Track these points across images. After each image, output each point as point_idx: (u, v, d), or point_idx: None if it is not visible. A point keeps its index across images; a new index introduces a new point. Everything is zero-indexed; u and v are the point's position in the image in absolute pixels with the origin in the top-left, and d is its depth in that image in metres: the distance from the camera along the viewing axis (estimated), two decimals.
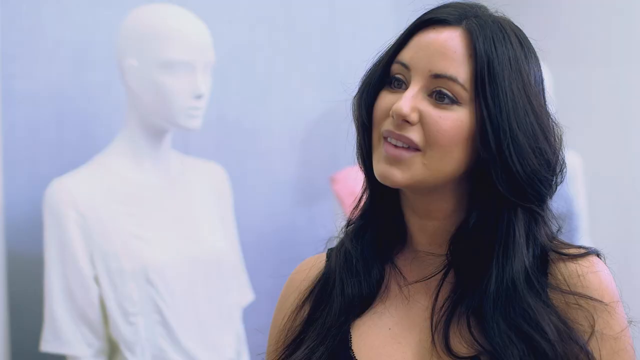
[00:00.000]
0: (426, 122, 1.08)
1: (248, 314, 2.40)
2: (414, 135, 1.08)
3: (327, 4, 3.08)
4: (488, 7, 1.16)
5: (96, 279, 2.08)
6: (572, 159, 2.74)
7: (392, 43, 1.15)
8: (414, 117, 1.08)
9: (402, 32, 1.15)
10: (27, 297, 2.28)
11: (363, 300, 1.16)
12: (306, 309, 1.19)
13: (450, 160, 1.09)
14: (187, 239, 2.20)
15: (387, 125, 1.10)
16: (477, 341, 1.07)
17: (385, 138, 1.10)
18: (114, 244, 2.09)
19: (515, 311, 1.07)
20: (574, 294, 1.08)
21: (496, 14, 1.15)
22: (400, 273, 1.17)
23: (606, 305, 1.08)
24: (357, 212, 1.20)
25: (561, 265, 1.11)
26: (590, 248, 1.14)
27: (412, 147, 1.08)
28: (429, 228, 1.15)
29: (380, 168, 1.10)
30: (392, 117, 1.08)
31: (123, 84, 2.17)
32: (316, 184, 2.99)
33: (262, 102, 2.90)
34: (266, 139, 2.91)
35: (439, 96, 1.08)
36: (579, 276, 1.10)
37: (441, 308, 1.11)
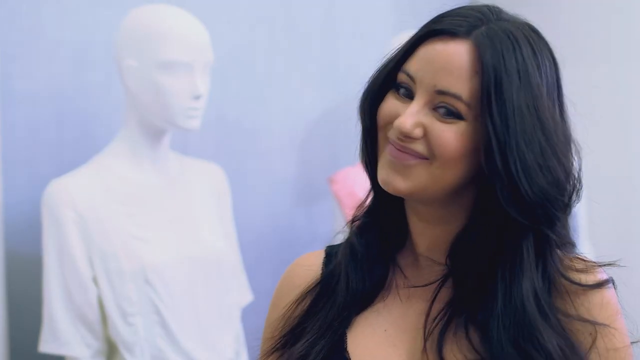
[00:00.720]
0: (430, 136, 1.06)
1: (247, 314, 2.40)
2: (419, 147, 1.07)
3: (327, 4, 3.08)
4: (503, 9, 1.12)
5: (95, 280, 2.08)
6: None
7: (400, 47, 1.13)
8: (417, 132, 1.06)
9: (411, 36, 1.12)
10: (27, 297, 2.28)
11: (365, 297, 1.16)
12: (307, 301, 1.18)
13: (455, 172, 1.07)
14: (187, 239, 2.20)
15: (392, 134, 1.09)
16: (477, 353, 1.06)
17: (389, 141, 1.10)
18: (113, 245, 2.08)
19: (524, 336, 1.05)
20: (580, 319, 1.08)
21: (510, 18, 1.11)
22: (402, 273, 1.17)
23: (607, 325, 1.08)
24: (364, 209, 1.20)
25: (565, 280, 1.10)
26: (603, 274, 1.12)
27: (418, 156, 1.07)
28: (430, 232, 1.14)
29: (383, 174, 1.10)
30: (395, 130, 1.07)
31: (122, 84, 2.17)
32: (316, 184, 2.99)
33: (262, 102, 2.90)
34: (266, 139, 2.91)
35: (443, 111, 1.06)
36: (585, 292, 1.09)
37: (435, 317, 1.11)
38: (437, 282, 1.13)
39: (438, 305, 1.11)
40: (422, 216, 1.14)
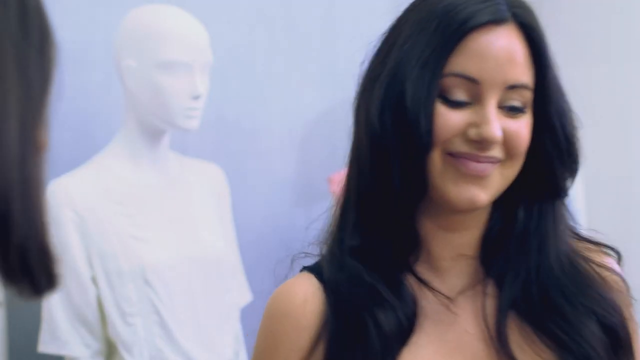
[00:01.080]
0: (510, 137, 0.99)
1: (246, 314, 2.40)
2: (496, 152, 0.99)
3: (327, 4, 3.08)
4: None
5: (94, 280, 2.08)
6: None
7: (428, 49, 0.99)
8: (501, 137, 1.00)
9: (430, 33, 1.00)
10: None
11: (404, 332, 1.01)
12: (321, 348, 1.03)
13: (519, 166, 1.03)
14: (186, 239, 2.20)
15: (461, 146, 0.99)
16: (553, 336, 1.02)
17: (453, 155, 0.99)
18: (112, 245, 2.08)
19: (584, 293, 1.03)
20: (601, 268, 1.09)
21: None
22: (433, 288, 1.04)
23: (625, 297, 1.08)
24: (354, 232, 1.06)
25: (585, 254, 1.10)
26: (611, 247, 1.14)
27: (496, 161, 1.01)
28: (454, 240, 1.05)
29: (465, 192, 0.99)
30: (481, 142, 0.98)
31: (122, 84, 2.17)
32: (316, 184, 2.99)
33: (262, 102, 2.90)
34: (266, 139, 2.90)
35: (510, 109, 1.00)
36: (602, 268, 1.09)
37: (494, 321, 1.03)
38: (479, 288, 1.05)
39: (490, 308, 1.03)
40: (451, 225, 1.04)
